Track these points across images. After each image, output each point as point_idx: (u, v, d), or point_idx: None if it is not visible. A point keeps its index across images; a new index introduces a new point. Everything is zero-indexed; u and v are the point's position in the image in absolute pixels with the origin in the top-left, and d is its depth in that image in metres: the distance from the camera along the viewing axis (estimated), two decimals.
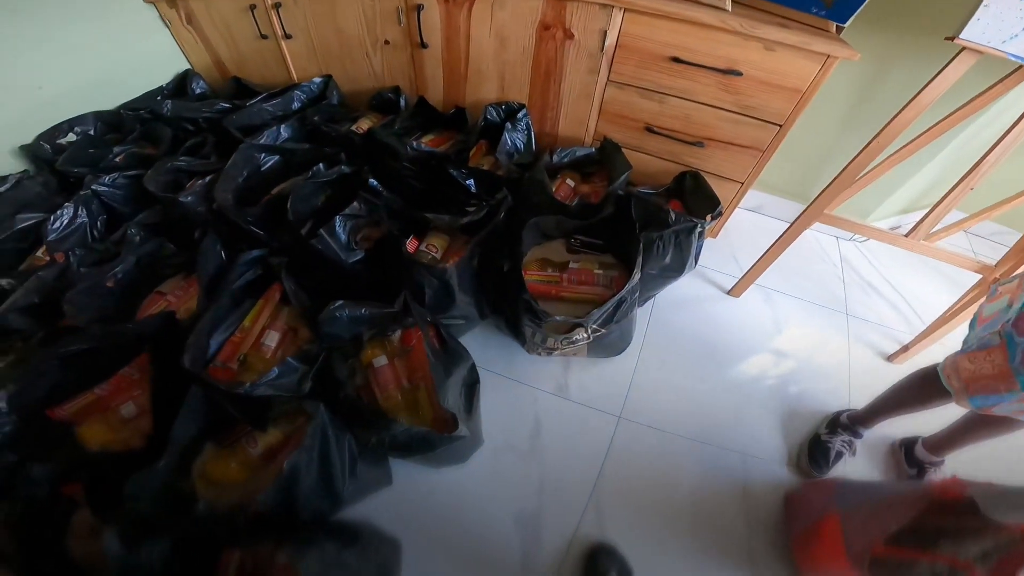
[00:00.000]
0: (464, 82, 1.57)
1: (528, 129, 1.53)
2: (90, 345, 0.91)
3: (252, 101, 1.51)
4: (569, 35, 1.35)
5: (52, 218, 1.13)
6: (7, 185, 1.29)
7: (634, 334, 1.38)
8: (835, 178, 1.24)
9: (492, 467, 1.13)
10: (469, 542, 1.03)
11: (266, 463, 0.92)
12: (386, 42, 1.54)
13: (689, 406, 1.31)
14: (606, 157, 1.51)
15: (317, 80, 1.60)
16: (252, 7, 1.57)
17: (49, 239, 1.12)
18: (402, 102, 1.57)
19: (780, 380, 1.42)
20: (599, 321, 1.15)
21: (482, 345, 1.35)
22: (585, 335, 1.19)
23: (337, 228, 1.08)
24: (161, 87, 1.77)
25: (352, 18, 1.51)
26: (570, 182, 1.48)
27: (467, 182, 1.30)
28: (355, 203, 1.13)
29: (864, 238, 1.97)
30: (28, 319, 0.98)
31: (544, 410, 1.24)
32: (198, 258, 0.99)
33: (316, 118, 1.40)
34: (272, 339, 1.01)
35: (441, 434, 0.88)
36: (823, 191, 1.28)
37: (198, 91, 1.75)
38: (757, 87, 1.24)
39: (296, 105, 1.55)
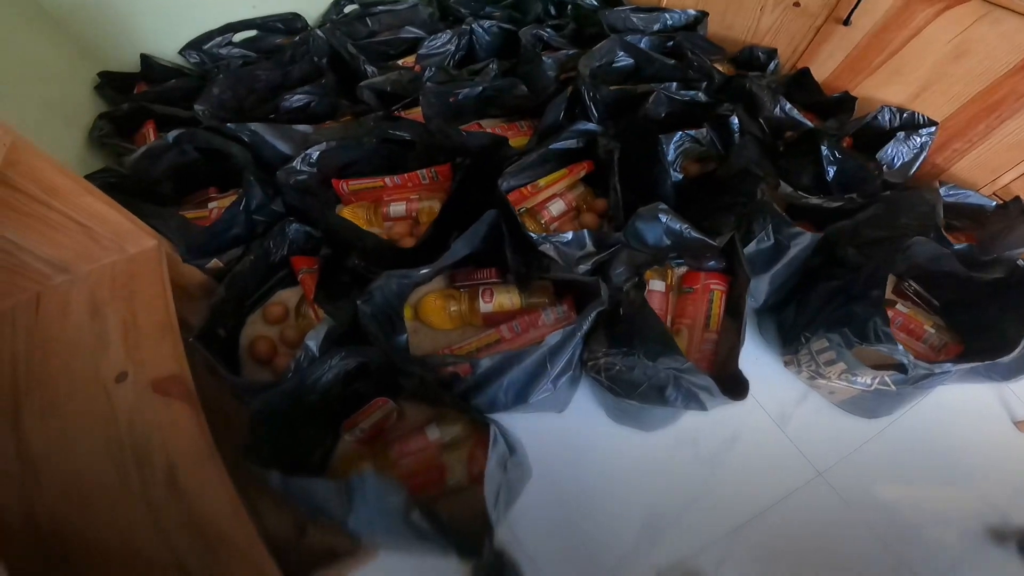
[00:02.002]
0: (868, 74, 1.29)
1: (922, 149, 1.18)
2: (410, 136, 0.93)
3: (622, 7, 1.45)
4: None
5: (430, 37, 1.24)
6: (405, 5, 1.47)
7: (897, 408, 1.07)
8: None
9: (666, 453, 0.98)
10: (586, 508, 0.92)
11: (485, 326, 0.84)
12: (796, 4, 1.34)
13: (903, 508, 0.99)
14: (1006, 218, 1.09)
15: (692, 12, 1.47)
16: None
17: (420, 52, 1.22)
18: (772, 65, 1.35)
19: None
20: (906, 381, 0.84)
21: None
22: (875, 382, 0.89)
23: (675, 141, 0.93)
24: None
25: None
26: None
27: (829, 167, 1.02)
28: (703, 129, 0.95)
29: None
30: (376, 100, 1.06)
31: (750, 428, 1.04)
32: (547, 108, 0.95)
33: (682, 41, 1.26)
34: (556, 208, 0.93)
35: (723, 393, 0.67)
36: None
37: None
38: None
39: (657, 26, 1.44)
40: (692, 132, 0.97)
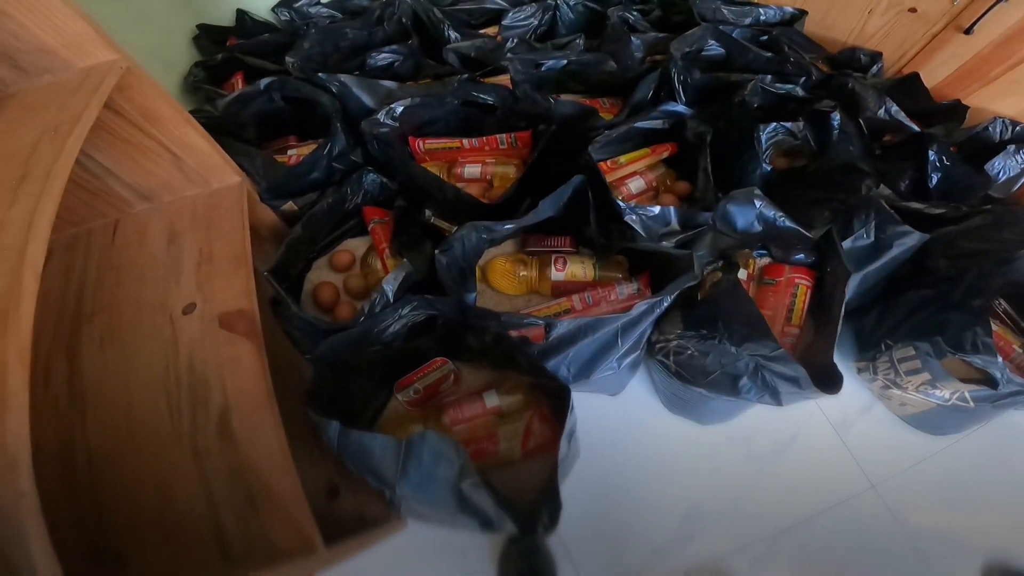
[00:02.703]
0: (983, 84, 1.20)
1: None
2: (493, 100, 0.91)
3: None
4: None
5: (515, 9, 1.23)
6: None
7: (965, 427, 1.01)
8: None
9: (718, 449, 0.96)
10: (627, 496, 0.91)
11: (553, 295, 0.81)
12: (912, 10, 1.26)
13: (956, 533, 0.94)
14: None
15: (789, 9, 1.40)
16: None
17: (504, 22, 1.21)
18: (875, 68, 1.26)
19: None
20: (989, 398, 0.79)
21: None
22: (953, 397, 0.83)
23: (769, 131, 0.88)
24: None
25: None
26: None
27: (933, 173, 0.95)
28: (799, 123, 0.90)
29: None
30: (460, 64, 1.07)
31: (808, 432, 1.00)
32: (639, 83, 0.93)
33: (779, 36, 1.20)
34: (635, 186, 0.90)
35: (815, 385, 0.63)
36: None
37: None
38: None
39: (749, 20, 1.38)
40: (788, 124, 0.92)
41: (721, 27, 1.18)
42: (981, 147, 1.08)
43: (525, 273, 0.82)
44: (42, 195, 0.47)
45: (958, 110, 1.15)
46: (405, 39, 1.15)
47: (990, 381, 0.79)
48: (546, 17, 1.23)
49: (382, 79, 1.05)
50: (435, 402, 0.78)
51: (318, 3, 1.44)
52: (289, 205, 0.90)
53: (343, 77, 0.95)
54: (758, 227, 0.77)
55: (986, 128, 1.11)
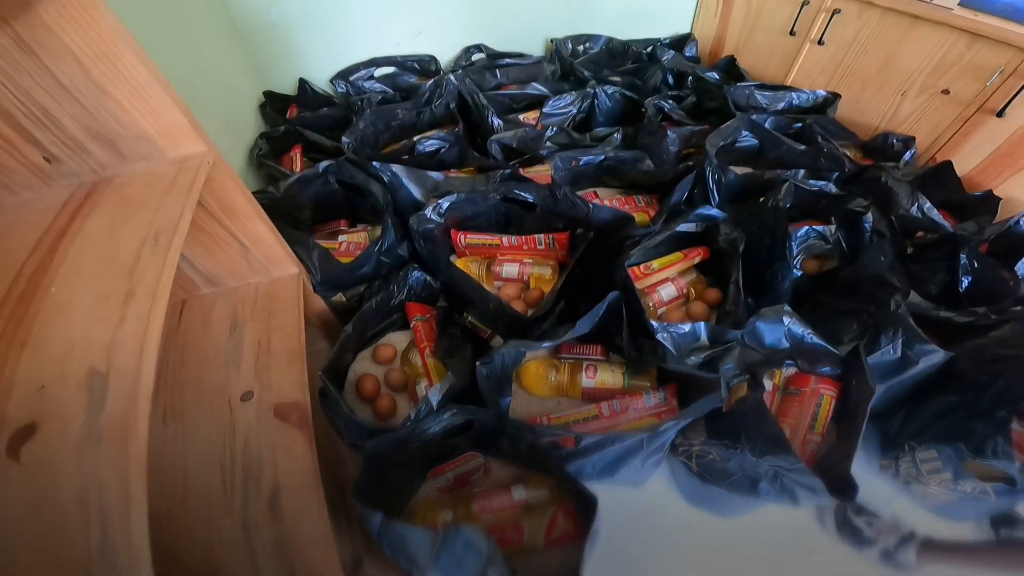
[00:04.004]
0: (1016, 171, 1.20)
1: None
2: (533, 198, 0.97)
3: (746, 83, 1.45)
4: None
5: (555, 97, 1.30)
6: (530, 61, 1.57)
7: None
8: None
9: (736, 540, 0.92)
10: None
11: (583, 400, 0.86)
12: (945, 92, 1.28)
13: None
14: None
15: (821, 93, 1.43)
16: (805, 2, 1.50)
17: (544, 110, 1.28)
18: (908, 155, 1.28)
19: None
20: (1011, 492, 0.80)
21: None
22: (975, 490, 0.83)
23: (800, 236, 0.91)
24: (659, 40, 1.89)
25: (920, 55, 1.31)
26: None
27: (964, 277, 0.96)
28: (831, 226, 0.93)
29: None
30: (502, 154, 1.13)
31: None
32: (675, 185, 0.98)
33: (812, 124, 1.23)
34: (667, 293, 0.94)
35: (831, 494, 0.68)
36: None
37: (688, 55, 1.80)
38: None
39: (782, 106, 1.41)
40: (820, 228, 0.95)
41: (755, 116, 1.23)
42: (1015, 242, 1.08)
43: (557, 377, 0.86)
44: (151, 317, 0.50)
45: (990, 202, 1.16)
46: (452, 123, 1.24)
47: (1009, 479, 0.81)
48: (584, 104, 1.30)
49: (429, 164, 1.13)
50: (465, 490, 0.83)
51: (371, 78, 1.55)
52: (339, 296, 0.97)
53: (395, 167, 1.02)
54: (786, 344, 0.80)
55: (1017, 222, 1.10)
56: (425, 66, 1.58)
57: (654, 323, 0.74)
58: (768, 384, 0.87)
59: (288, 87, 1.54)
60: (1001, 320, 0.92)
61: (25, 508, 0.38)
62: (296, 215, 1.11)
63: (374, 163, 1.03)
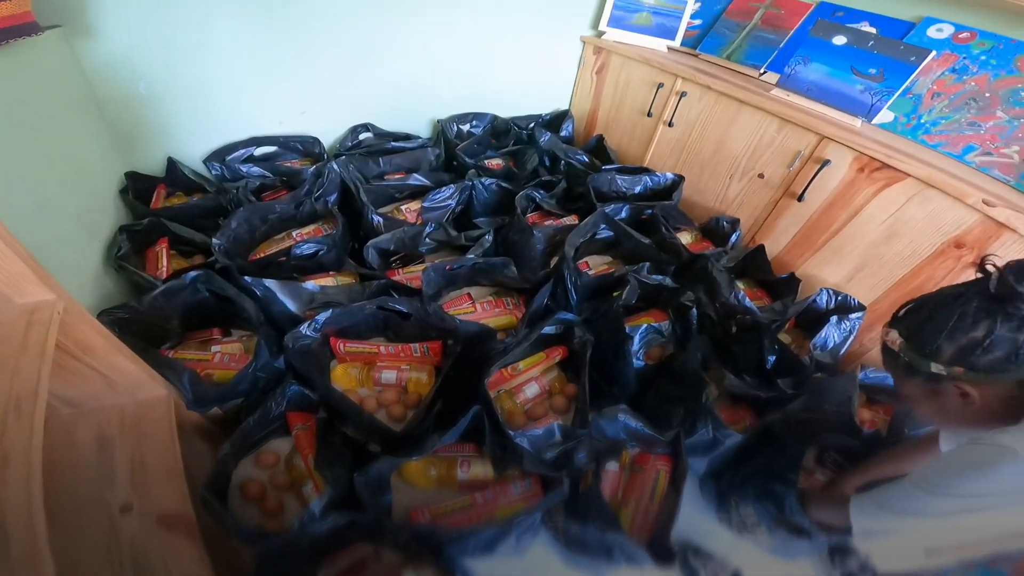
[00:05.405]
0: (813, 252, 1.46)
1: (851, 332, 1.35)
2: (409, 310, 1.04)
3: (609, 167, 1.63)
4: (979, 265, 1.14)
5: (435, 191, 1.38)
6: (415, 144, 1.63)
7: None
8: None
9: None
10: None
11: (463, 491, 0.94)
12: (760, 176, 1.52)
13: None
14: None
15: (670, 176, 1.64)
16: (659, 84, 1.71)
17: (424, 204, 1.35)
18: (734, 237, 1.52)
19: None
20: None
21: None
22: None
23: (641, 332, 1.08)
24: (540, 116, 2.05)
25: (743, 139, 1.53)
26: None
27: (769, 356, 1.18)
28: (667, 322, 1.10)
29: None
30: (379, 259, 1.18)
31: None
32: (538, 292, 1.10)
33: (657, 213, 1.43)
34: (531, 391, 1.04)
35: (653, 561, 0.82)
36: None
37: (564, 133, 1.97)
38: None
39: (639, 189, 1.62)
40: (657, 324, 1.12)
41: (611, 208, 1.40)
42: (813, 318, 1.34)
43: (435, 472, 0.94)
44: (30, 481, 0.52)
45: (792, 283, 1.42)
46: (333, 217, 1.27)
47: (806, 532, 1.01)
48: (464, 196, 1.39)
49: (307, 267, 1.16)
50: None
51: (250, 159, 1.52)
52: (215, 411, 0.97)
53: (268, 282, 1.04)
54: (624, 435, 0.95)
55: (814, 300, 1.36)
56: (308, 148, 1.58)
57: (511, 433, 0.86)
58: (615, 465, 1.01)
59: (155, 167, 1.45)
60: (797, 393, 1.15)
61: None
62: (163, 325, 1.08)
63: (246, 277, 1.03)
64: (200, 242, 1.26)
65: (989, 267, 0.65)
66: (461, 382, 0.98)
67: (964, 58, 1.42)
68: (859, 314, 1.33)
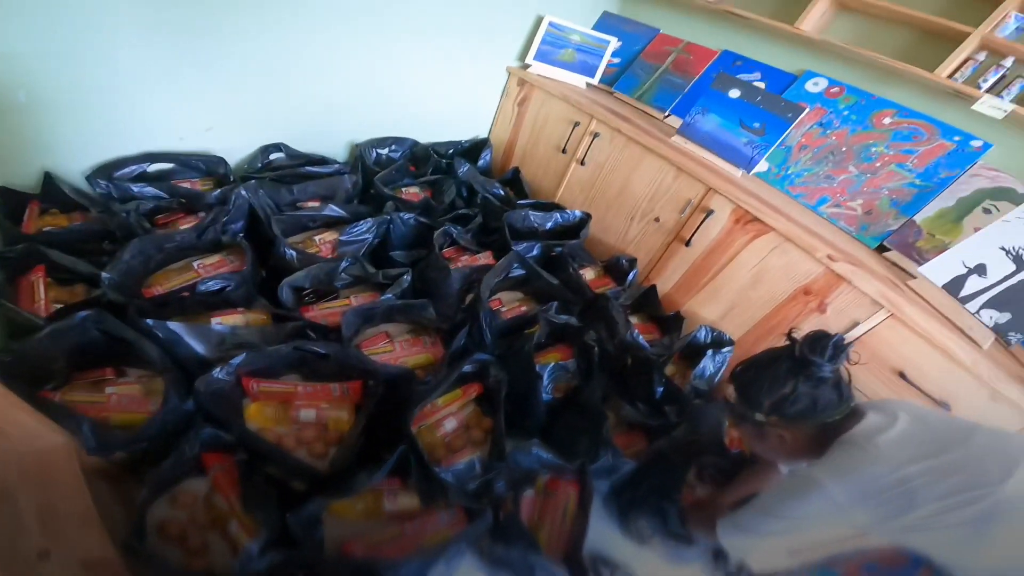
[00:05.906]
0: (696, 291, 1.67)
1: (724, 364, 1.57)
2: (326, 351, 1.06)
3: (523, 202, 1.74)
4: (822, 309, 1.40)
5: (352, 225, 1.38)
6: (331, 169, 1.61)
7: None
8: None
9: None
10: None
11: (391, 522, 0.99)
12: (656, 219, 1.70)
13: None
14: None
15: (578, 213, 1.79)
16: (576, 123, 1.85)
17: (342, 237, 1.35)
18: (632, 275, 1.69)
19: None
20: None
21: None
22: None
23: (549, 370, 1.19)
24: (460, 143, 2.11)
25: (645, 183, 1.70)
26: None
27: (657, 387, 1.35)
28: (572, 360, 1.22)
29: None
30: (295, 295, 1.17)
31: None
32: (455, 332, 1.16)
33: (569, 256, 1.56)
34: (450, 425, 1.12)
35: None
36: None
37: (481, 163, 2.05)
38: None
39: (550, 225, 1.74)
40: (563, 363, 1.24)
41: (523, 247, 1.51)
42: (695, 351, 1.54)
43: (363, 506, 0.99)
44: None
45: (678, 320, 1.63)
46: (240, 249, 1.22)
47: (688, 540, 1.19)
48: (381, 230, 1.41)
49: (214, 303, 1.11)
50: None
51: (143, 176, 1.40)
52: (119, 455, 0.91)
53: (172, 325, 0.99)
54: (537, 465, 1.07)
55: (695, 336, 1.57)
56: (212, 167, 1.48)
57: (436, 469, 0.94)
58: (531, 492, 1.12)
59: (28, 183, 1.28)
60: (680, 420, 1.33)
61: None
62: (47, 367, 0.98)
63: (147, 320, 0.98)
64: (87, 273, 1.15)
65: (795, 335, 0.85)
66: (383, 418, 1.02)
67: (831, 112, 1.63)
68: (729, 348, 1.56)
